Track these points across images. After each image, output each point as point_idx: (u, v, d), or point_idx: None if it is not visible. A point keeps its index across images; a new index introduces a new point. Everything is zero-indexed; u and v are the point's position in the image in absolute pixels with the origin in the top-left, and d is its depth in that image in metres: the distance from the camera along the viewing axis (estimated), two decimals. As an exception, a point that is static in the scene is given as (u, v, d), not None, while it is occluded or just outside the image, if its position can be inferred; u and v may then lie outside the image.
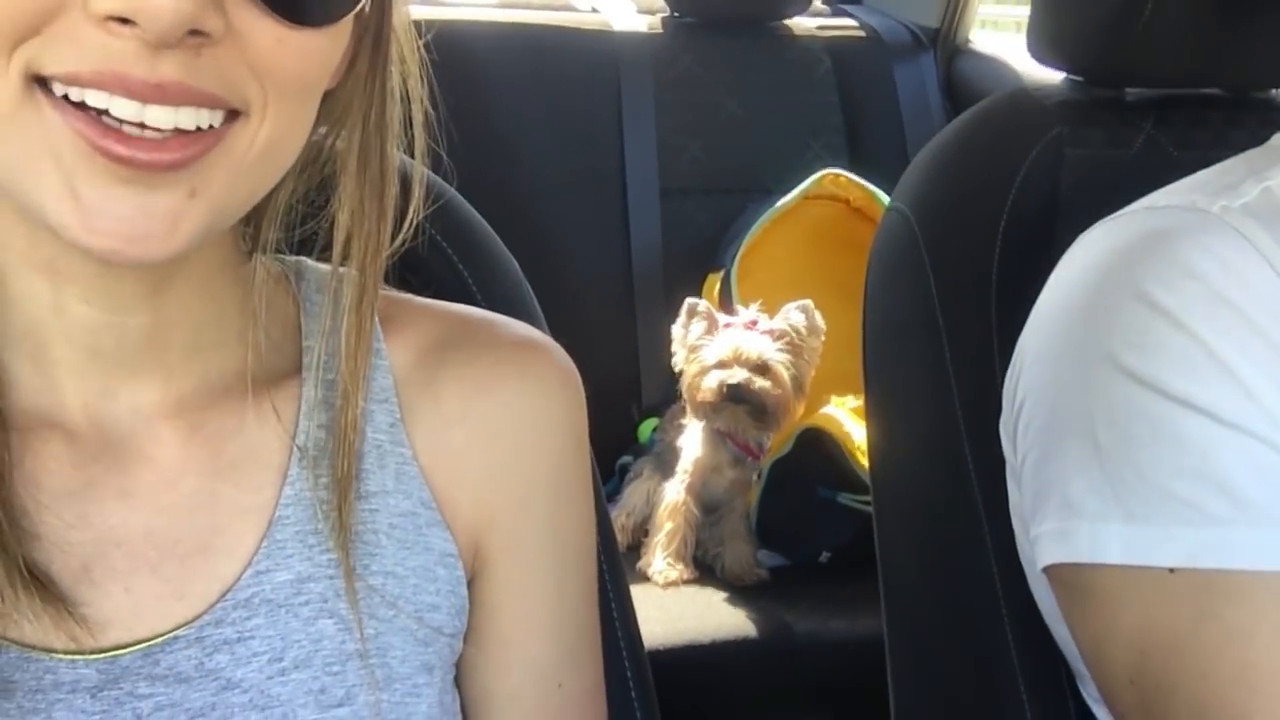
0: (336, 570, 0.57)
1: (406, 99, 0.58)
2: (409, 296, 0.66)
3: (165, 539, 0.55)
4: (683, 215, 2.00)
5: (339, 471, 0.57)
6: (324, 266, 0.64)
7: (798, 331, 1.62)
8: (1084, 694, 0.77)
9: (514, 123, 1.95)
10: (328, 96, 0.55)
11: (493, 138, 1.89)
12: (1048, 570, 0.69)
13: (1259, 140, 0.77)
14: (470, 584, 0.63)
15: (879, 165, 1.99)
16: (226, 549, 0.56)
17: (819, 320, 1.63)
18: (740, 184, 2.02)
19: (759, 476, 1.72)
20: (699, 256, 1.94)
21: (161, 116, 0.44)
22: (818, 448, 1.65)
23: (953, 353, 0.88)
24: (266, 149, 0.49)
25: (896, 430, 0.95)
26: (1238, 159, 0.75)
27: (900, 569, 0.95)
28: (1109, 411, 0.64)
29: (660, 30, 2.09)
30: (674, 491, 1.69)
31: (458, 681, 0.64)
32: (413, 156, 0.60)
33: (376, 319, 0.60)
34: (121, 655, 0.53)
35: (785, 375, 1.61)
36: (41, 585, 0.52)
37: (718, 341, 1.62)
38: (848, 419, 1.64)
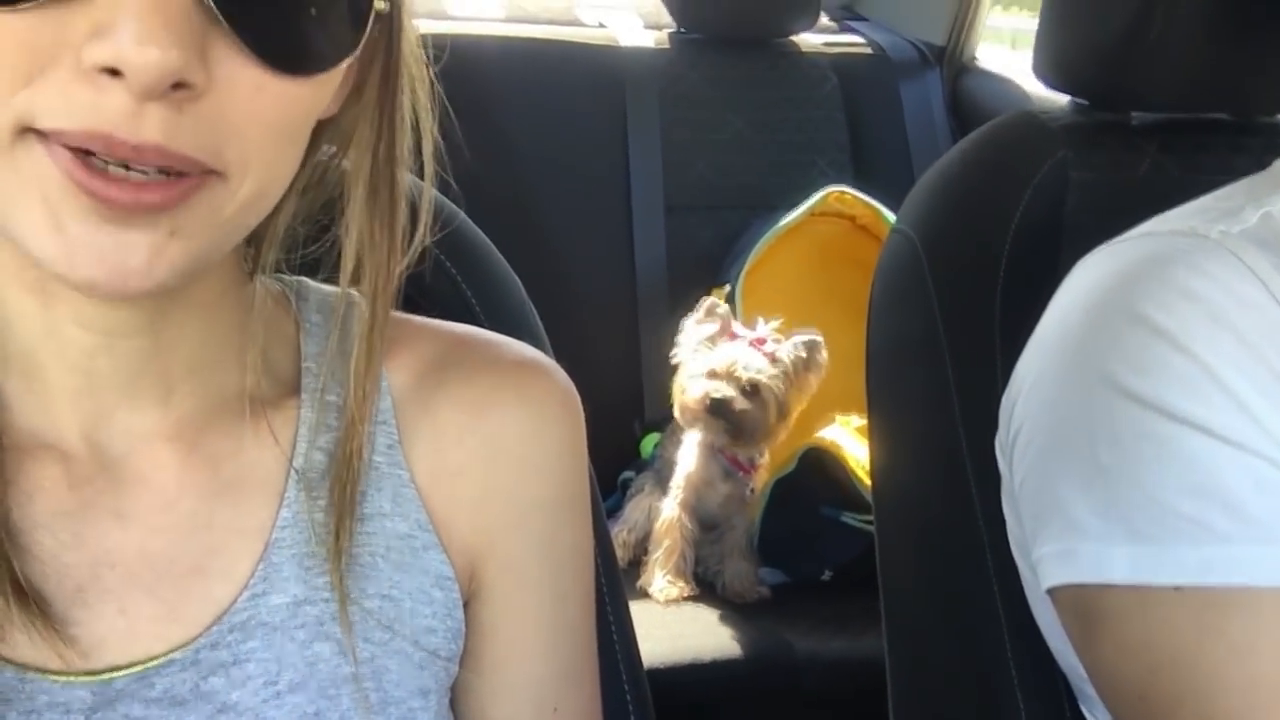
0: (333, 593, 0.57)
1: (416, 126, 0.57)
2: (408, 316, 0.65)
3: (161, 560, 0.55)
4: (688, 231, 2.00)
5: (339, 496, 0.57)
6: (326, 288, 0.64)
7: (798, 363, 1.61)
8: (1085, 714, 0.77)
9: (519, 137, 1.96)
10: (329, 121, 0.55)
11: (498, 152, 1.90)
12: (1052, 592, 0.69)
13: (1263, 165, 0.77)
14: (466, 607, 0.62)
15: (884, 182, 1.99)
16: (222, 571, 0.56)
17: (822, 358, 1.62)
18: (745, 200, 2.02)
19: (751, 492, 1.71)
20: (704, 272, 1.94)
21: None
22: (821, 467, 1.65)
23: (956, 375, 0.87)
24: (247, 202, 0.49)
25: (899, 451, 0.95)
26: (1239, 184, 0.75)
27: (901, 588, 0.95)
28: (1111, 432, 0.65)
29: (667, 46, 2.09)
30: (669, 508, 1.69)
31: (453, 705, 0.63)
32: (421, 178, 0.60)
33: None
34: (116, 677, 0.53)
35: (772, 402, 1.59)
36: (36, 605, 0.51)
37: (718, 351, 1.61)
38: (851, 439, 1.64)
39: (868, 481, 1.23)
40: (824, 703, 1.53)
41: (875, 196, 1.90)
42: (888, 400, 0.97)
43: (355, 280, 0.57)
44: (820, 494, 1.65)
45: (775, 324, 1.64)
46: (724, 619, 1.60)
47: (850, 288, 1.57)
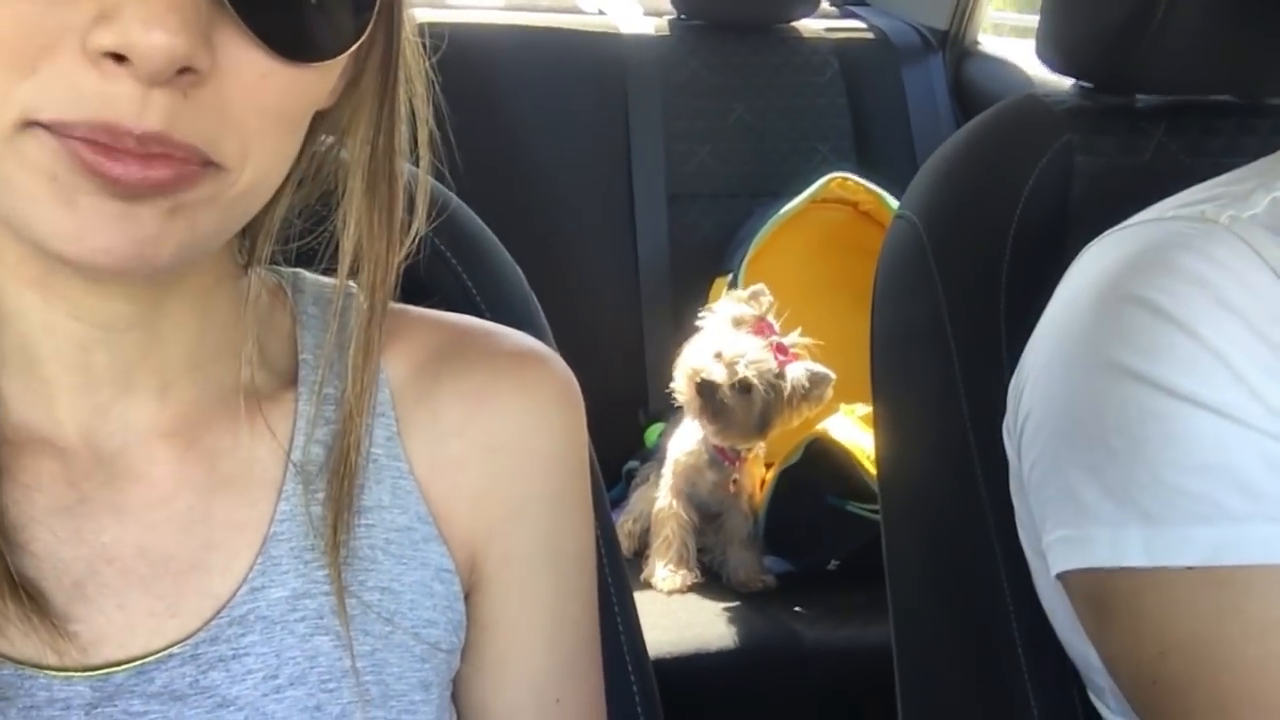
0: (332, 586, 0.56)
1: (413, 118, 0.57)
2: (406, 307, 0.65)
3: (159, 555, 0.55)
4: (690, 219, 1.99)
5: (337, 490, 0.57)
6: (323, 280, 0.63)
7: (799, 388, 1.57)
8: (1095, 704, 0.77)
9: (519, 125, 1.95)
10: (326, 112, 0.54)
11: (498, 140, 1.89)
12: (1062, 577, 0.69)
13: (1271, 148, 0.77)
14: (467, 599, 0.62)
15: (887, 168, 1.98)
16: (221, 565, 0.55)
17: (825, 394, 1.58)
18: (748, 188, 2.01)
19: (735, 482, 1.70)
20: (706, 260, 1.94)
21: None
22: (826, 457, 1.64)
23: (961, 362, 0.87)
24: (247, 190, 0.49)
25: (904, 439, 0.95)
26: (1248, 168, 0.74)
27: (908, 577, 0.94)
28: (1120, 416, 0.65)
29: (668, 33, 2.08)
30: (662, 495, 1.68)
31: (454, 698, 0.63)
32: (417, 166, 0.60)
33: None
34: (115, 673, 0.53)
35: (756, 407, 1.56)
36: (34, 601, 0.51)
37: (735, 336, 1.59)
38: (856, 428, 1.63)
39: (873, 471, 1.22)
40: (830, 692, 1.53)
41: (878, 182, 1.89)
42: (892, 387, 0.96)
43: (353, 273, 0.57)
44: (825, 484, 1.65)
45: (803, 340, 1.61)
46: (729, 609, 1.60)
47: (854, 274, 1.55)
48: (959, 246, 0.90)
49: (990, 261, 0.87)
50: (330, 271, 0.60)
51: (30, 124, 0.44)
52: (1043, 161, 0.88)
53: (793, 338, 1.61)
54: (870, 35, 2.19)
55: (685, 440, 1.69)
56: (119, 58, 0.42)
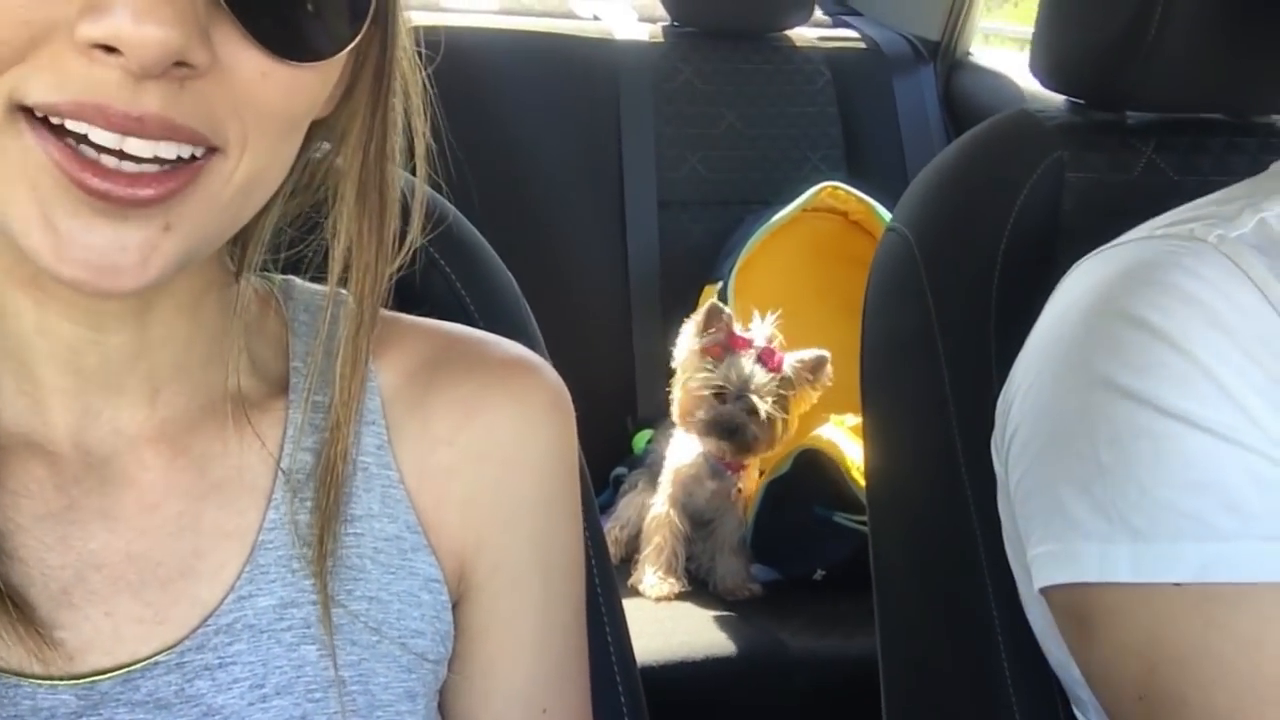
0: (318, 596, 0.56)
1: (409, 128, 0.57)
2: (398, 315, 0.65)
3: (146, 562, 0.54)
4: (680, 226, 1.99)
5: (324, 499, 0.57)
6: (314, 287, 0.63)
7: (800, 379, 1.62)
8: (1079, 718, 0.77)
9: (512, 131, 1.95)
10: (321, 122, 0.54)
11: (490, 145, 1.89)
12: (1045, 591, 0.69)
13: (1260, 166, 0.77)
14: (455, 609, 0.62)
15: (877, 178, 1.98)
16: (209, 573, 0.55)
17: (827, 373, 1.63)
18: (738, 196, 2.02)
19: (738, 490, 1.71)
20: (696, 268, 1.94)
21: (141, 146, 0.44)
22: (815, 467, 1.65)
23: (950, 375, 0.87)
24: (244, 185, 0.48)
25: (893, 451, 0.95)
26: (1235, 187, 0.75)
27: (895, 587, 0.94)
28: (1110, 432, 0.65)
29: (661, 40, 2.08)
30: (658, 504, 1.69)
31: (441, 708, 0.63)
32: (413, 175, 0.60)
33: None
34: (101, 681, 0.52)
35: (778, 422, 1.62)
36: (19, 609, 0.51)
37: (726, 366, 1.61)
38: (845, 438, 1.63)
39: (861, 482, 1.22)
40: (816, 701, 1.53)
41: (869, 192, 1.89)
42: (882, 399, 0.96)
43: (343, 281, 0.57)
44: (814, 494, 1.65)
45: (774, 319, 1.63)
46: (717, 616, 1.60)
47: (844, 283, 1.56)
48: (950, 260, 0.90)
49: (980, 276, 0.87)
50: (318, 279, 0.60)
51: (16, 111, 0.43)
52: (1034, 177, 0.88)
53: (764, 327, 1.62)
54: (862, 45, 2.20)
55: (684, 450, 1.69)
56: (109, 49, 0.42)
